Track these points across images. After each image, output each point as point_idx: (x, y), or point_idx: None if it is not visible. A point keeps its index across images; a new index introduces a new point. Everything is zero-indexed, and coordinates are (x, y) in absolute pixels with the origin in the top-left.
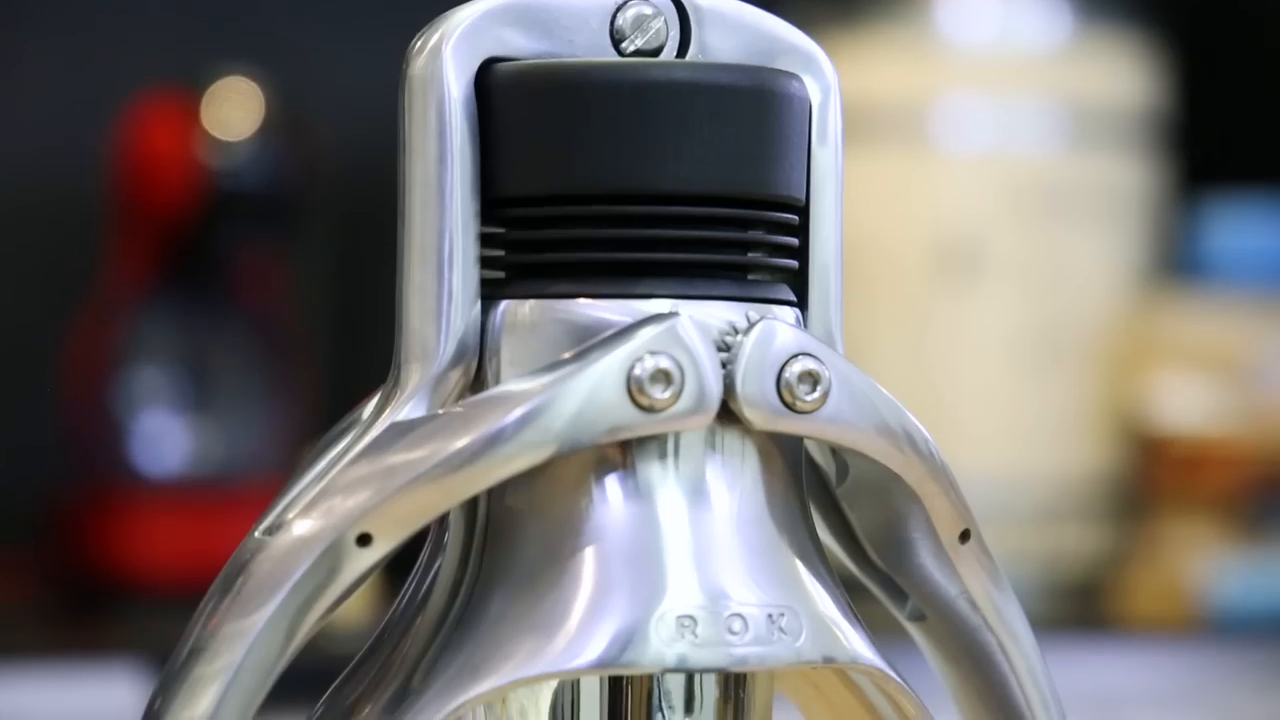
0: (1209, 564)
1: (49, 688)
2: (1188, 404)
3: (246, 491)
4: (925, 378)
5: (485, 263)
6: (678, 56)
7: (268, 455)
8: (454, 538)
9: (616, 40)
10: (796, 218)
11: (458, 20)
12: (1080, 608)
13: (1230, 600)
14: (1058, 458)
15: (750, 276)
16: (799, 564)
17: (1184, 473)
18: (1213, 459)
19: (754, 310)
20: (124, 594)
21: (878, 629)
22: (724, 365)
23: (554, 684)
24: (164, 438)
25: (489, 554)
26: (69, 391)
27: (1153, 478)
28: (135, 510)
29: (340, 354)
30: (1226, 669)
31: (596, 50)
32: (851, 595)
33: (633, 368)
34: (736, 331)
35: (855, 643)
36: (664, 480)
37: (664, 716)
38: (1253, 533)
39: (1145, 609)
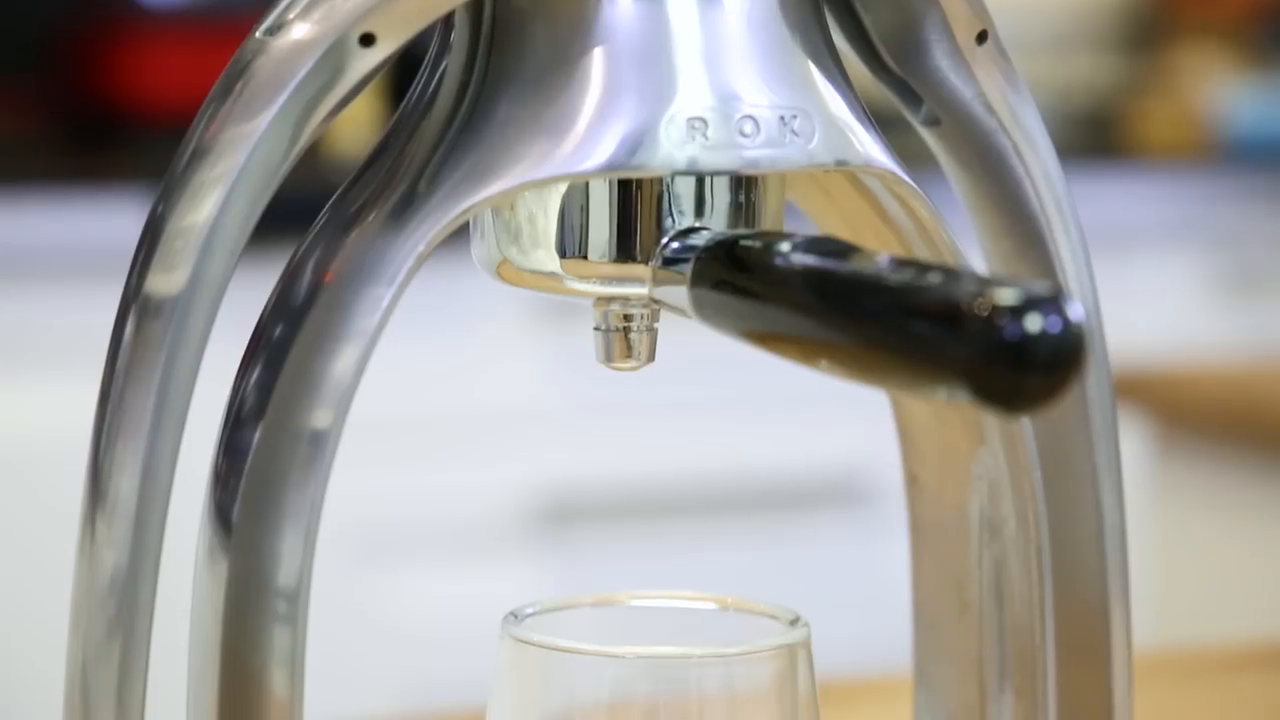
0: (1222, 91)
1: (55, 215)
2: None
3: (252, 18)
4: None
5: None
6: None
7: None
8: (459, 39)
9: None
10: None
11: None
12: (1093, 137)
13: (1242, 127)
14: None
15: None
16: (812, 66)
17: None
18: None
19: None
20: (129, 124)
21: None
22: None
23: (562, 188)
24: None
25: (495, 56)
26: None
27: (1167, 4)
28: (139, 40)
29: None
30: (1237, 196)
31: None
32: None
33: None
34: None
35: (868, 146)
36: None
37: (674, 221)
38: (1266, 60)
39: (1158, 137)
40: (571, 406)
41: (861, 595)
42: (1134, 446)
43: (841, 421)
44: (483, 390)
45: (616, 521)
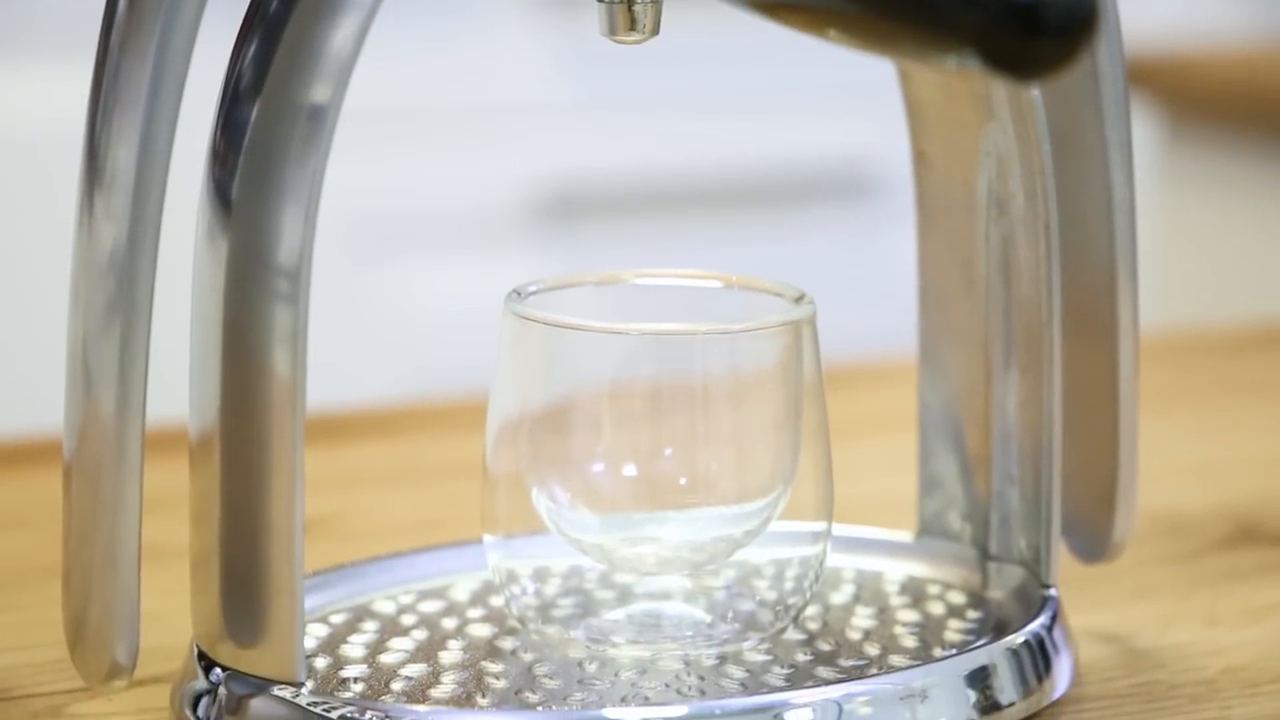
0: None
1: None
2: None
3: None
4: None
5: None
6: None
7: None
8: None
9: None
10: None
11: None
12: None
13: None
14: None
15: None
16: None
17: None
18: None
19: None
20: None
21: None
22: None
23: None
24: None
25: None
26: None
27: None
28: None
29: None
30: None
31: None
32: None
33: None
34: None
35: None
36: None
37: None
38: None
39: None
40: (576, 99)
41: (867, 286)
42: (1141, 134)
43: (848, 112)
44: (487, 82)
45: (621, 214)
